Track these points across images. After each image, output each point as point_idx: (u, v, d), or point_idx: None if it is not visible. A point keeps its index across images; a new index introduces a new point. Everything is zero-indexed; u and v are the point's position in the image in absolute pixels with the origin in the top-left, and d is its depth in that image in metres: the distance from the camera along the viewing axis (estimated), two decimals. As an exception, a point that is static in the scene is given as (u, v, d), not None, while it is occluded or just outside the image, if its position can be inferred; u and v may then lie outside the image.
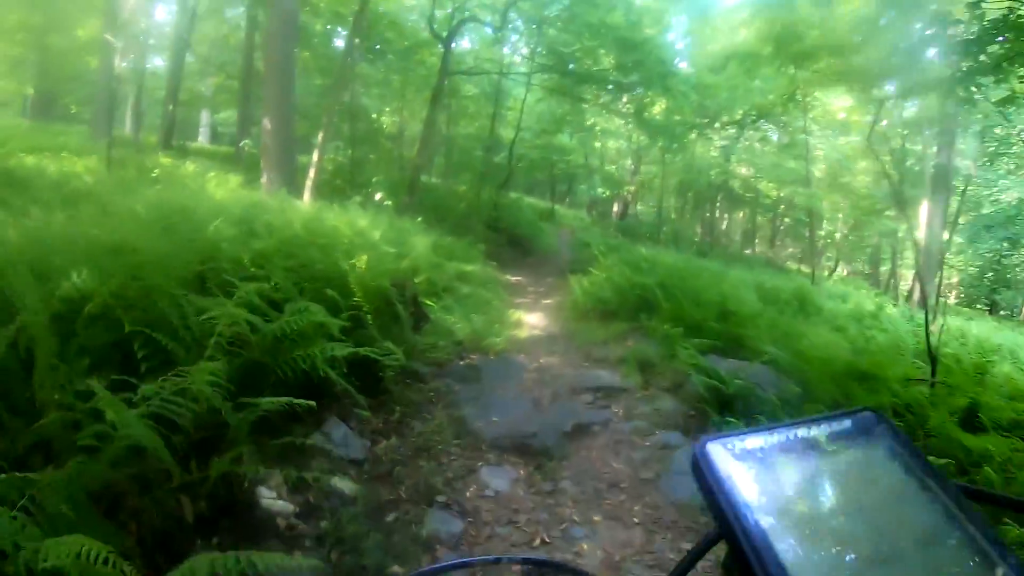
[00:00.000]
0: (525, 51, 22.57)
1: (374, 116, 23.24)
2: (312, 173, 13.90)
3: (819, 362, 8.05)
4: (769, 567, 0.70)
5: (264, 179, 14.50)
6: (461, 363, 7.68)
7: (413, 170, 16.68)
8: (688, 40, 27.64)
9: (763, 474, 0.83)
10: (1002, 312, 31.52)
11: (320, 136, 14.39)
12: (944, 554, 0.80)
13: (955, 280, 33.77)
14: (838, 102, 28.92)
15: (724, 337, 9.16)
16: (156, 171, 13.83)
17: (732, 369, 7.55)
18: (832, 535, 0.80)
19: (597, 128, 32.19)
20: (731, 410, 6.71)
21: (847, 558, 0.77)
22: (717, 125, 29.33)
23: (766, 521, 0.75)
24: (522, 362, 8.20)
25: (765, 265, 28.29)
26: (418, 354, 7.12)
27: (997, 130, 26.04)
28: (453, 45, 17.87)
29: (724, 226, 39.20)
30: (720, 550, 0.84)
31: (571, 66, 19.74)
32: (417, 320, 7.82)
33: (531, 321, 10.65)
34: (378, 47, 21.21)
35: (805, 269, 32.02)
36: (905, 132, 28.75)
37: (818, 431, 0.89)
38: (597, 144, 35.55)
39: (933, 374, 8.04)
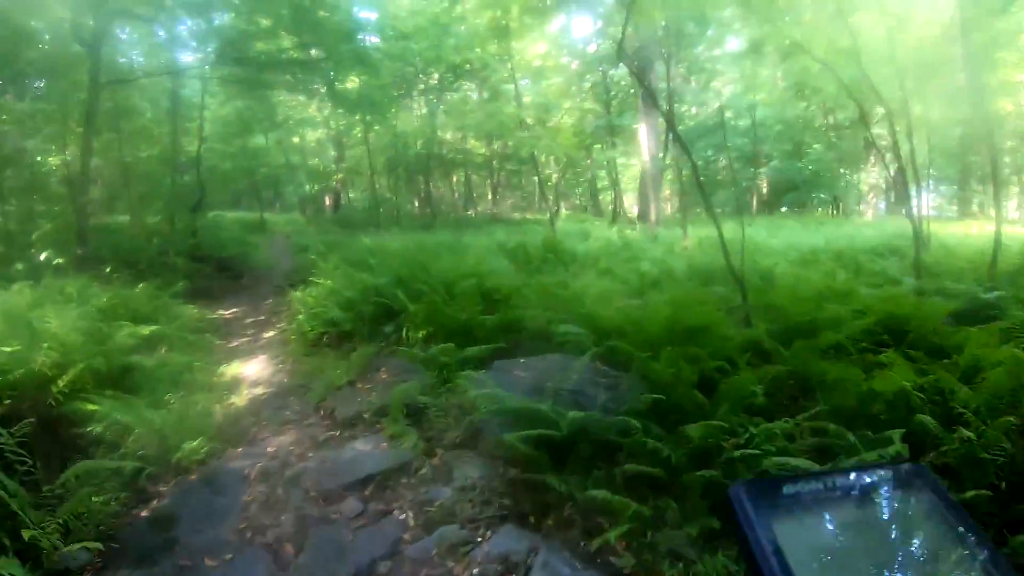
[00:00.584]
0: (195, 46, 20.01)
1: (38, 159, 19.89)
2: None
3: (632, 329, 6.69)
4: None
5: None
6: (140, 515, 4.83)
7: (78, 214, 14.34)
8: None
9: (797, 522, 0.85)
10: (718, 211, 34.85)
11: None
12: None
13: (667, 193, 36.10)
14: (533, 49, 29.83)
15: (500, 330, 7.68)
16: None
17: (535, 380, 5.72)
18: None
19: (291, 121, 30.47)
20: (575, 457, 4.67)
21: None
22: (415, 93, 28.93)
23: (796, 568, 0.77)
24: (240, 468, 5.55)
25: (493, 223, 28.34)
26: (50, 533, 4.01)
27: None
28: (103, 51, 15.23)
29: (440, 193, 39.11)
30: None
31: (249, 53, 17.70)
32: (58, 460, 4.99)
33: (250, 374, 8.66)
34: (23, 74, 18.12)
35: (533, 217, 32.82)
36: (601, 67, 30.47)
37: (857, 481, 0.93)
38: (296, 139, 33.80)
39: (744, 298, 7.90)
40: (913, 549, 0.88)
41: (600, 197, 42.68)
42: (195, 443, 5.72)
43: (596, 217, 34.87)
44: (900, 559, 0.85)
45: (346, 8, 16.83)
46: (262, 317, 12.94)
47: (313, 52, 18.01)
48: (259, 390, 7.95)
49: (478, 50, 25.80)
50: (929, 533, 0.89)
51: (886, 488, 0.92)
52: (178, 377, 7.64)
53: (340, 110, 26.93)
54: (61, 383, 5.81)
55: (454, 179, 38.69)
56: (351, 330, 8.90)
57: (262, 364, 9.13)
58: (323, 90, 21.23)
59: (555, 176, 37.42)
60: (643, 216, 25.72)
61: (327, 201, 37.48)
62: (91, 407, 5.51)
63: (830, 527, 0.87)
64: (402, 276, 9.64)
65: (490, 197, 39.02)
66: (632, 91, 30.34)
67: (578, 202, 46.82)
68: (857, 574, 0.83)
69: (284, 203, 41.99)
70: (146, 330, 8.17)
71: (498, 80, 28.68)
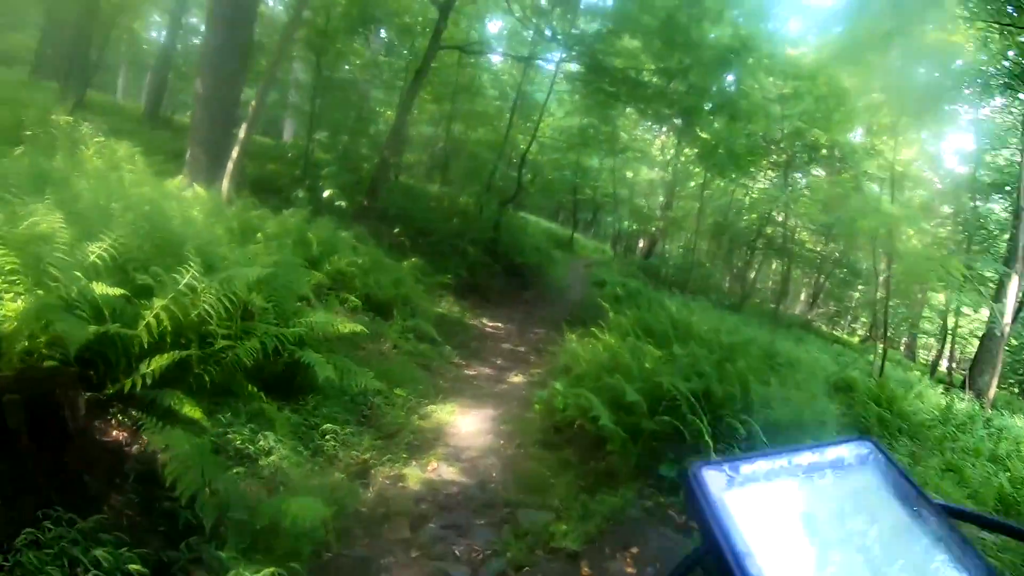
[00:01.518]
0: (553, 41, 17.97)
1: (377, 109, 19.25)
2: (235, 155, 9.92)
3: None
4: None
5: (188, 157, 10.60)
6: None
7: (378, 166, 12.71)
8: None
9: (755, 500, 0.84)
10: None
11: (252, 106, 10.39)
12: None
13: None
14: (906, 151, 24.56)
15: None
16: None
17: None
18: (821, 559, 0.82)
19: (629, 152, 28.09)
20: None
21: None
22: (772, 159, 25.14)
23: (755, 545, 0.75)
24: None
25: (805, 329, 23.87)
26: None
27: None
28: (451, 15, 13.49)
29: (754, 276, 34.59)
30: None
31: (607, 64, 15.05)
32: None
33: (456, 438, 5.90)
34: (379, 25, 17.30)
35: (843, 336, 27.78)
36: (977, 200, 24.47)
37: (812, 459, 0.92)
38: (629, 173, 31.46)
39: None
40: (867, 521, 0.87)
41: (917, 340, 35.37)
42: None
43: (908, 360, 28.36)
44: (855, 531, 0.85)
45: (727, 40, 13.25)
46: (522, 348, 10.29)
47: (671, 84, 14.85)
48: (447, 474, 5.08)
49: (848, 136, 21.68)
50: (882, 505, 0.89)
51: (840, 463, 0.92)
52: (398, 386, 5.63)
53: (683, 156, 24.00)
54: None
55: (773, 266, 33.75)
56: (613, 451, 5.45)
57: (481, 427, 6.33)
58: (678, 121, 17.87)
59: (879, 297, 31.51)
60: (976, 385, 19.62)
61: (640, 243, 34.77)
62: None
63: (787, 504, 0.86)
64: (710, 389, 5.97)
65: (804, 298, 33.87)
66: (1006, 235, 23.72)
67: (891, 334, 38.90)
68: (814, 546, 0.82)
69: (599, 231, 39.96)
70: (347, 327, 5.54)
71: (855, 174, 24.06)
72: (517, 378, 8.34)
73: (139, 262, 4.53)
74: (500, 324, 11.69)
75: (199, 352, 4.27)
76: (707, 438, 4.95)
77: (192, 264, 4.28)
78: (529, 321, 12.66)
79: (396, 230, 14.09)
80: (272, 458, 4.23)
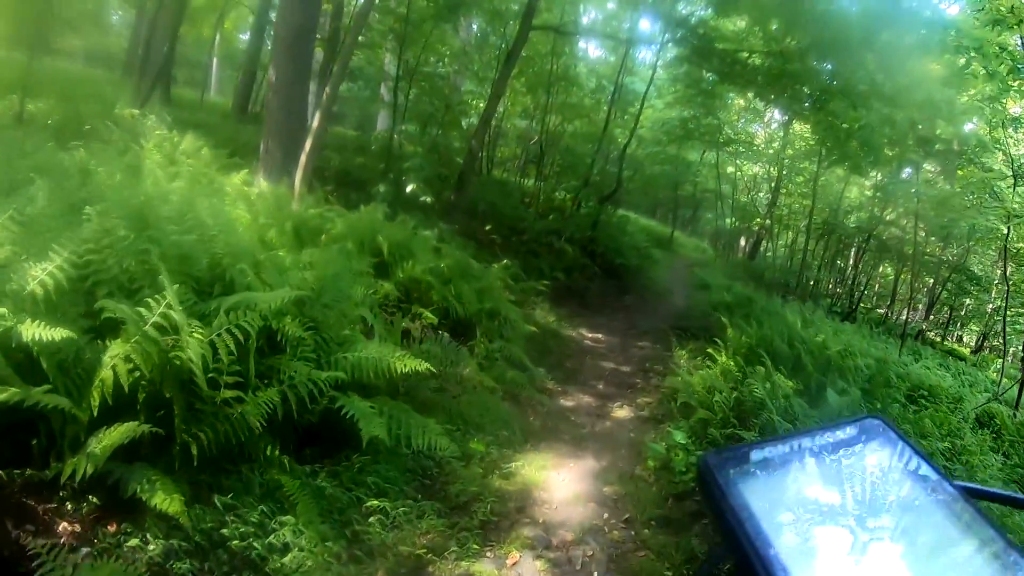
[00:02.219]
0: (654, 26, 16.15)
1: (468, 100, 17.95)
2: (308, 147, 8.82)
3: None
4: None
5: (262, 151, 9.68)
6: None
7: (467, 159, 11.40)
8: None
9: (768, 485, 0.83)
10: None
11: (326, 93, 9.25)
12: (951, 553, 0.80)
13: None
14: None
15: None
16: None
17: None
18: (838, 541, 0.79)
19: (732, 146, 26.00)
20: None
21: (856, 565, 0.78)
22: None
23: (771, 530, 0.74)
24: None
25: (919, 341, 21.38)
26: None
27: None
28: None
29: (861, 281, 31.44)
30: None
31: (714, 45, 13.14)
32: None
33: (550, 503, 4.45)
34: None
35: (955, 347, 24.99)
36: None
37: (822, 440, 0.89)
38: (731, 168, 29.35)
39: None
40: (883, 499, 0.84)
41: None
42: None
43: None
44: (870, 510, 0.81)
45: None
46: (626, 368, 8.80)
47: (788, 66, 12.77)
48: (530, 573, 3.65)
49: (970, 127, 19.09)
50: (895, 483, 0.87)
51: (851, 443, 0.89)
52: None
53: (792, 150, 21.78)
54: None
55: (880, 269, 30.46)
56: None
57: (579, 491, 4.77)
58: (804, 105, 15.59)
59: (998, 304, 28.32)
60: None
61: (742, 242, 32.54)
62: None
63: (800, 487, 0.84)
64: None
65: (921, 307, 30.84)
66: None
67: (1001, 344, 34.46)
68: (831, 530, 0.78)
69: (697, 228, 37.75)
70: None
71: (976, 168, 21.32)
72: (622, 411, 6.86)
73: (118, 284, 3.31)
74: (600, 336, 10.23)
75: (184, 413, 3.01)
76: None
77: (174, 289, 3.00)
78: (631, 332, 11.16)
79: (487, 227, 12.82)
80: (288, 558, 2.94)
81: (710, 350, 8.19)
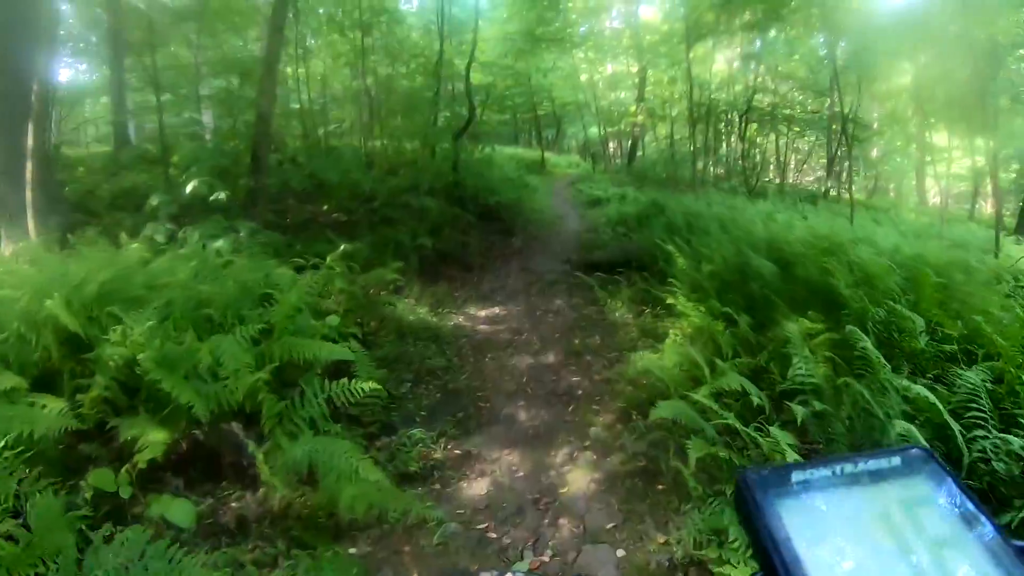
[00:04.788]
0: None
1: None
2: (30, 175, 5.30)
3: None
4: None
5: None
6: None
7: (257, 124, 7.84)
8: None
9: (806, 508, 0.78)
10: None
11: (34, 93, 5.61)
12: None
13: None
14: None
15: None
16: None
17: None
18: (872, 574, 0.74)
19: (588, 43, 22.98)
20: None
21: None
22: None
23: (805, 555, 0.70)
24: None
25: (809, 199, 19.10)
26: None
27: None
28: None
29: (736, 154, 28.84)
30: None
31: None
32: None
33: None
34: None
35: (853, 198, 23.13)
36: None
37: (865, 467, 0.83)
38: (584, 77, 26.36)
39: None
40: (923, 534, 0.75)
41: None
42: None
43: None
44: (910, 544, 0.74)
45: None
46: (551, 359, 5.64)
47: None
48: None
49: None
50: (938, 518, 0.78)
51: (895, 473, 0.81)
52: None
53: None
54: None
55: (764, 140, 27.60)
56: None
57: None
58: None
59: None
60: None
61: (610, 147, 29.79)
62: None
63: (839, 513, 0.77)
64: None
65: (806, 167, 28.85)
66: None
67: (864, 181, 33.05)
68: (867, 561, 0.72)
69: (563, 146, 34.65)
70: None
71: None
72: (578, 474, 3.66)
73: None
74: (496, 310, 7.09)
75: None
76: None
77: None
78: (535, 288, 8.05)
79: (325, 207, 9.50)
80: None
81: (658, 293, 5.27)
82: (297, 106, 14.75)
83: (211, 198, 7.46)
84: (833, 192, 21.96)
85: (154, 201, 7.51)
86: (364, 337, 5.45)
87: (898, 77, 19.93)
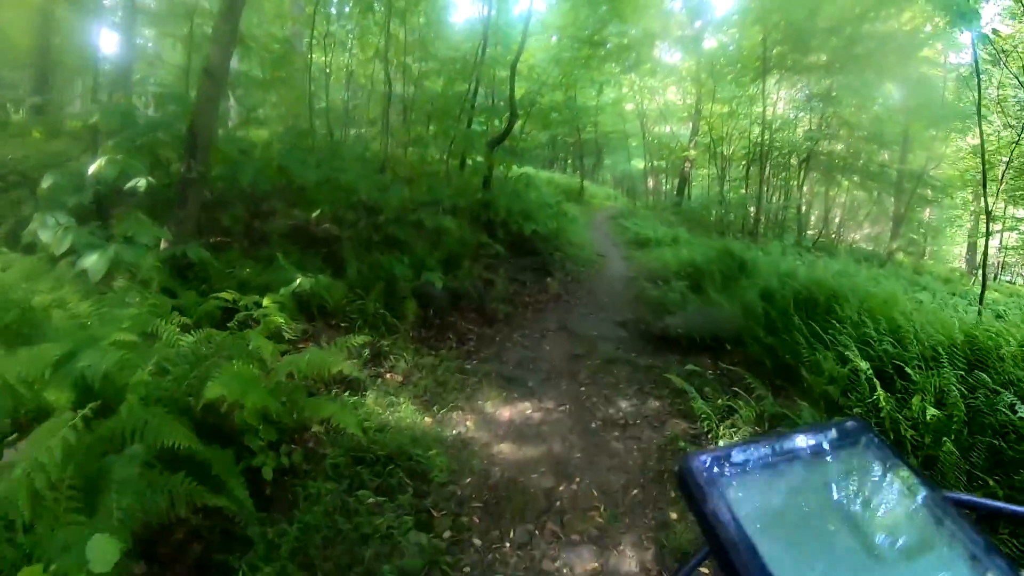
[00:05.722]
0: None
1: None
2: None
3: None
4: None
5: None
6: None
7: (202, 87, 5.22)
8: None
9: (749, 486, 0.76)
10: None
11: None
12: (933, 560, 0.73)
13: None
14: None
15: None
16: None
17: None
18: (819, 544, 0.73)
19: (644, 68, 20.37)
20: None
21: (835, 567, 0.71)
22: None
23: (753, 533, 0.69)
24: None
25: (876, 261, 16.46)
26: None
27: None
28: None
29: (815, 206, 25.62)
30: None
31: None
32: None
33: None
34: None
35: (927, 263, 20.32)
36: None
37: (803, 441, 0.82)
38: (628, 106, 23.80)
39: None
40: (863, 503, 0.78)
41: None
42: None
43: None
44: (851, 513, 0.75)
45: None
46: (632, 551, 2.98)
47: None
48: None
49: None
50: (878, 484, 0.80)
51: (831, 445, 0.81)
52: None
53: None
54: None
55: (828, 190, 24.44)
56: None
57: None
58: None
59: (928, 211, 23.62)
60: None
61: (650, 183, 27.08)
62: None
63: (781, 489, 0.77)
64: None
65: (867, 225, 25.72)
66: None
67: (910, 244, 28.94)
68: (812, 532, 0.72)
69: (597, 176, 31.98)
70: None
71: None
72: None
73: None
74: (529, 411, 4.34)
75: None
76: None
77: None
78: (590, 378, 5.17)
79: (314, 215, 6.94)
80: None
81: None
82: (324, 104, 11.94)
83: (127, 186, 4.95)
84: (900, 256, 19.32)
85: (45, 183, 5.01)
86: (265, 487, 2.88)
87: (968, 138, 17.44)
